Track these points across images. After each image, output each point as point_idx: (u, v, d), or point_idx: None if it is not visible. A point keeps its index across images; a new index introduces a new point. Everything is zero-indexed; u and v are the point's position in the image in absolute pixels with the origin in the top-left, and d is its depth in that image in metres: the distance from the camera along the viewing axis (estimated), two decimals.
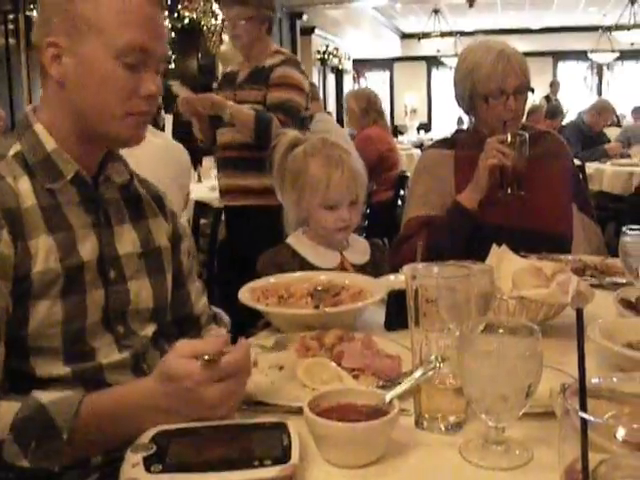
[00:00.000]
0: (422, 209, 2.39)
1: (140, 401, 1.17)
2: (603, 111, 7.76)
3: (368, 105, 5.95)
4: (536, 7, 15.32)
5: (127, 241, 1.46)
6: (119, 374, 1.37)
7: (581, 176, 6.39)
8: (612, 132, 9.16)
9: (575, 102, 14.34)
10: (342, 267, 2.05)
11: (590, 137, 7.61)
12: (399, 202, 5.58)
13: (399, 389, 1.11)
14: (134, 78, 1.35)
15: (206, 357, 1.09)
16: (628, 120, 12.08)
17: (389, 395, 1.09)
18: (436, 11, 14.71)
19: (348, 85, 16.96)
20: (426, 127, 17.43)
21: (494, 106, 2.38)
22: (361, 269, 2.06)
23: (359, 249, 2.15)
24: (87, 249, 1.36)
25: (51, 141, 1.36)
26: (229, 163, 3.66)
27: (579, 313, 0.75)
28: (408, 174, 5.93)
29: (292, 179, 2.10)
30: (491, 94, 2.36)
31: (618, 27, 13.50)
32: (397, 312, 1.58)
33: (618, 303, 1.68)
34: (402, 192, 5.64)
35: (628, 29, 13.36)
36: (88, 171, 1.41)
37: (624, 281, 2.00)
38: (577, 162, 6.79)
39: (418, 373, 1.14)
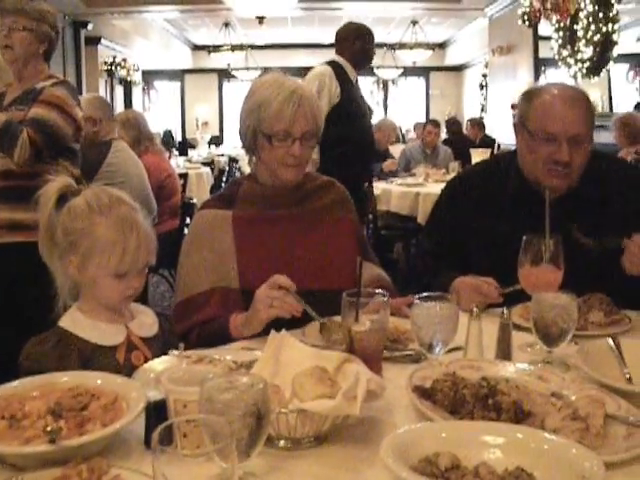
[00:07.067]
0: (191, 287, 2.15)
1: None
2: (384, 128, 8.18)
3: (140, 133, 5.37)
4: (325, 23, 15.58)
5: None
6: None
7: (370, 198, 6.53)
8: (397, 149, 9.42)
9: None
10: (129, 342, 1.78)
11: (377, 155, 7.78)
12: (185, 230, 5.29)
13: None
14: None
15: None
16: (412, 136, 12.56)
17: None
18: (227, 24, 14.58)
19: (137, 97, 16.35)
20: (217, 141, 17.15)
21: (277, 148, 2.14)
22: (151, 341, 1.82)
23: (146, 320, 1.87)
24: None
25: None
26: None
27: None
28: (195, 201, 5.66)
29: (71, 240, 1.74)
30: (276, 135, 2.12)
31: (401, 45, 14.19)
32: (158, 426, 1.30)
33: (412, 393, 1.49)
34: (188, 220, 5.35)
35: (410, 48, 14.11)
36: None
37: (417, 347, 1.85)
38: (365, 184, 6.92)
39: None
